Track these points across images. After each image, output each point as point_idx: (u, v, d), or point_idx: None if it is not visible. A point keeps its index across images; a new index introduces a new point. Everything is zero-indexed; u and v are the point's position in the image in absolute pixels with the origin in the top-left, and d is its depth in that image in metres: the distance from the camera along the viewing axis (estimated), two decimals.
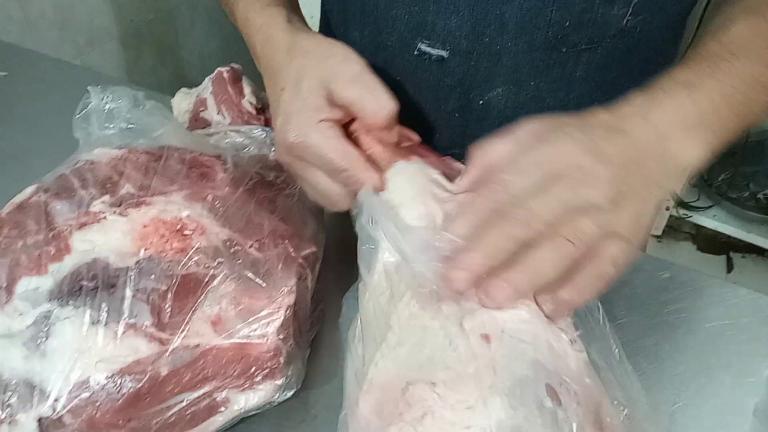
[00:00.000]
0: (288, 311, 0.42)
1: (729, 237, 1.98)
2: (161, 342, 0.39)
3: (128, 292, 0.39)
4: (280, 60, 0.49)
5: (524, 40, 0.53)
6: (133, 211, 0.43)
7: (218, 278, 0.41)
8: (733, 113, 0.42)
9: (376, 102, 0.44)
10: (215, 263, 0.42)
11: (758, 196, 1.95)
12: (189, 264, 0.41)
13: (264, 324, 0.41)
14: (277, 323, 0.41)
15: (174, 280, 0.40)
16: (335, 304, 0.50)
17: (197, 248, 0.42)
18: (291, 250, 0.46)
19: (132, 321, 0.38)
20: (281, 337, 0.41)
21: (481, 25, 0.53)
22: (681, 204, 1.90)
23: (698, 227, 2.01)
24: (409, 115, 0.49)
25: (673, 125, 0.40)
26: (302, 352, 0.44)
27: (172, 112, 0.69)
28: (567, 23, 0.51)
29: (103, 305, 0.39)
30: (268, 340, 0.40)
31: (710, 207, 1.96)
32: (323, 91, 0.45)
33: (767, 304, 0.54)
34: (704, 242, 2.08)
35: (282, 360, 0.41)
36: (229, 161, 0.50)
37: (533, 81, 0.56)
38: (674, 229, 2.08)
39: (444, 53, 0.55)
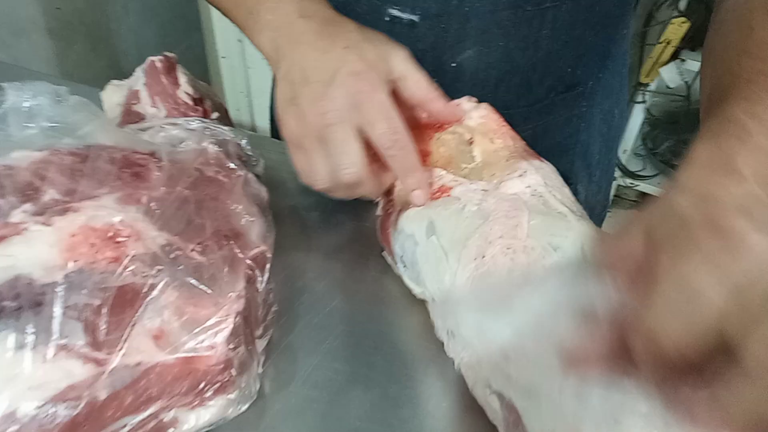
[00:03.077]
0: (237, 318, 0.39)
1: None
2: (98, 363, 0.35)
3: (57, 310, 0.35)
4: (334, 17, 0.48)
5: (490, 0, 0.54)
6: (59, 219, 0.39)
7: (158, 287, 0.38)
8: None
9: (427, 77, 0.48)
10: (154, 271, 0.39)
11: None
12: (124, 274, 0.38)
13: (211, 334, 0.38)
14: (226, 332, 0.38)
15: (108, 294, 0.37)
16: (288, 304, 0.47)
17: (133, 256, 0.38)
18: (237, 251, 0.43)
19: (63, 342, 0.35)
20: (231, 346, 0.38)
21: None
22: (627, 173, 1.93)
23: (644, 195, 2.05)
24: None
25: None
26: (255, 360, 0.42)
27: (103, 106, 0.64)
28: None
29: (30, 326, 0.35)
30: (217, 351, 0.37)
31: (656, 175, 2.00)
32: (387, 62, 0.46)
33: None
34: None
35: (233, 372, 0.38)
36: (164, 158, 0.46)
37: (502, 41, 0.57)
38: (621, 198, 2.12)
39: (414, 17, 0.57)
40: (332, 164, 0.45)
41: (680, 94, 1.84)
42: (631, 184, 1.95)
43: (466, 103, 0.54)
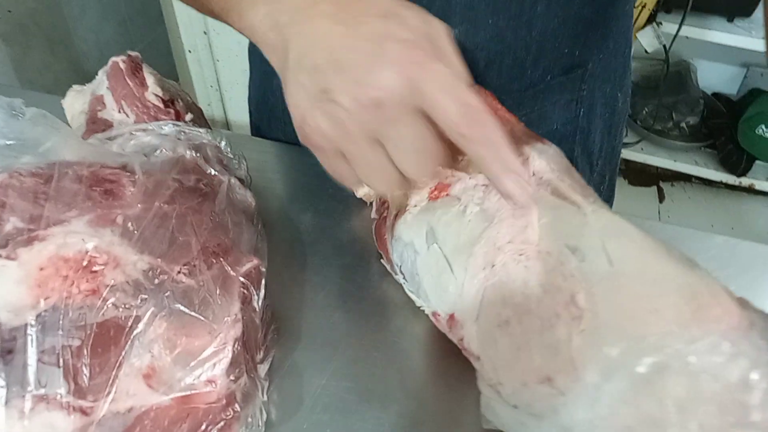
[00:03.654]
0: (236, 345, 0.35)
1: (658, 168, 2.02)
2: (83, 412, 0.31)
3: (31, 356, 0.31)
4: None
5: None
6: (24, 251, 0.35)
7: (144, 319, 0.34)
8: None
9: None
10: (138, 301, 0.34)
11: (681, 125, 1.99)
12: (105, 308, 0.33)
13: (209, 366, 0.34)
14: (225, 362, 0.34)
15: (88, 332, 0.33)
16: (288, 321, 0.43)
17: (112, 286, 0.34)
18: (228, 268, 0.39)
19: (41, 392, 0.31)
20: (232, 378, 0.34)
21: None
22: None
23: (627, 162, 2.03)
24: None
25: None
26: (259, 387, 0.38)
27: (65, 116, 0.59)
28: None
29: (0, 378, 0.30)
30: (217, 385, 0.34)
31: (638, 141, 1.99)
32: (432, 38, 0.35)
33: (699, 237, 0.53)
34: (634, 176, 2.12)
35: (238, 406, 0.34)
36: (138, 170, 0.42)
37: (491, 18, 0.52)
38: None
39: None
40: (401, 165, 0.35)
41: (658, 58, 1.81)
42: None
43: None
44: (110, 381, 0.32)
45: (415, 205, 0.44)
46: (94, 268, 0.35)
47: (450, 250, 0.40)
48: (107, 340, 0.33)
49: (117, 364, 0.32)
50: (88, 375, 0.32)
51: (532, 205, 0.38)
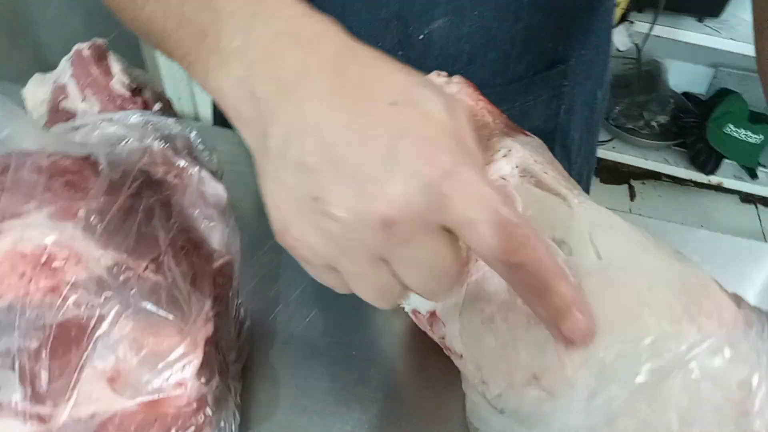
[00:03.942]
0: (207, 345, 0.33)
1: (629, 166, 2.04)
2: (41, 419, 0.29)
3: None
4: (348, 42, 0.28)
5: None
6: None
7: (108, 319, 0.32)
8: None
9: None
10: (101, 299, 0.32)
11: (652, 123, 2.01)
12: (65, 307, 0.31)
13: (179, 368, 0.32)
14: (196, 364, 0.32)
15: (47, 332, 0.30)
16: (262, 319, 0.42)
17: (74, 283, 0.32)
18: (199, 264, 0.37)
19: None
20: (204, 380, 0.32)
21: None
22: None
23: (600, 160, 2.05)
24: None
25: None
26: (232, 390, 0.36)
27: (25, 105, 0.56)
28: None
29: None
30: (187, 388, 0.32)
31: (610, 140, 2.00)
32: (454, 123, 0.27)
33: (671, 229, 0.53)
34: (607, 174, 2.14)
35: (209, 410, 0.32)
36: (102, 161, 0.39)
37: (476, 10, 0.50)
38: None
39: None
40: (410, 286, 0.28)
41: (631, 57, 1.83)
42: None
43: (435, 78, 0.49)
44: (71, 385, 0.30)
45: None
46: (54, 265, 0.32)
47: None
48: (68, 341, 0.31)
49: (78, 367, 0.30)
50: (46, 379, 0.30)
51: (516, 199, 0.37)
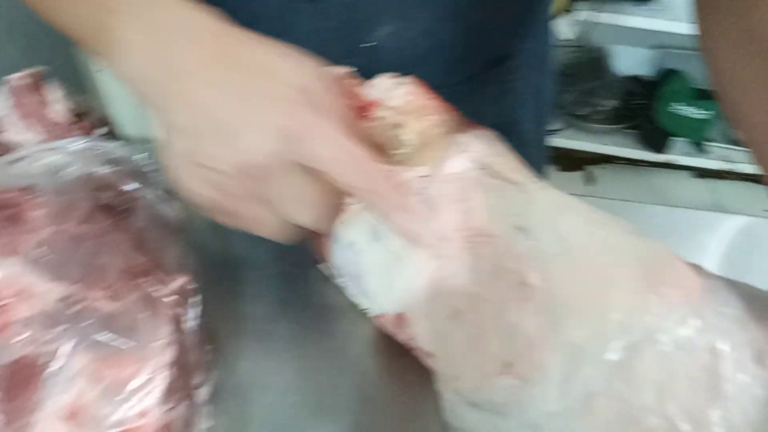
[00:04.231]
0: (170, 370, 0.32)
1: (584, 152, 2.08)
2: None
3: None
4: (221, 27, 0.34)
5: None
6: None
7: (63, 354, 0.31)
8: None
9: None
10: (54, 334, 0.31)
11: (602, 109, 2.05)
12: (16, 345, 0.30)
13: (141, 397, 0.31)
14: (159, 391, 0.31)
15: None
16: (226, 338, 0.41)
17: (23, 320, 0.31)
18: (154, 288, 0.36)
19: None
20: (168, 407, 0.31)
21: None
22: None
23: (556, 149, 2.08)
24: None
25: None
26: (199, 414, 0.35)
27: None
28: None
29: None
30: (151, 417, 0.31)
31: (564, 128, 2.04)
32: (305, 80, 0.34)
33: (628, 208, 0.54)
34: (563, 162, 2.17)
35: None
36: (44, 190, 0.38)
37: (422, 12, 0.50)
38: None
39: None
40: (291, 219, 0.35)
41: (576, 45, 1.86)
42: None
43: (384, 80, 0.49)
44: (26, 427, 0.28)
45: (354, 203, 0.42)
46: (1, 303, 0.31)
47: (396, 245, 0.38)
48: (21, 381, 0.29)
49: (33, 408, 0.29)
50: (3, 422, 0.28)
51: (474, 190, 0.37)
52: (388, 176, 0.35)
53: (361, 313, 0.42)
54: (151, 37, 0.33)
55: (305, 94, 0.32)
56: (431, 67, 0.54)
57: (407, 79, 0.48)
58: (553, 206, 0.33)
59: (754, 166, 0.35)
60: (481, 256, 0.33)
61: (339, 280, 0.44)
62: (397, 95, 0.47)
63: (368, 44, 0.52)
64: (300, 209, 0.34)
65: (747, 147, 0.36)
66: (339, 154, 0.33)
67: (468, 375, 0.32)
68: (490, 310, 0.31)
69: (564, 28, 1.74)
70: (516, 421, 0.29)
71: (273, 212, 0.34)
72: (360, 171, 0.33)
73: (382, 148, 0.46)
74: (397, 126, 0.46)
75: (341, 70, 0.49)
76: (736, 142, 1.99)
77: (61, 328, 0.31)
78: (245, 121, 0.31)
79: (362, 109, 0.47)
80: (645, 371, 0.26)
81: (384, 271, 0.38)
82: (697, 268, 0.30)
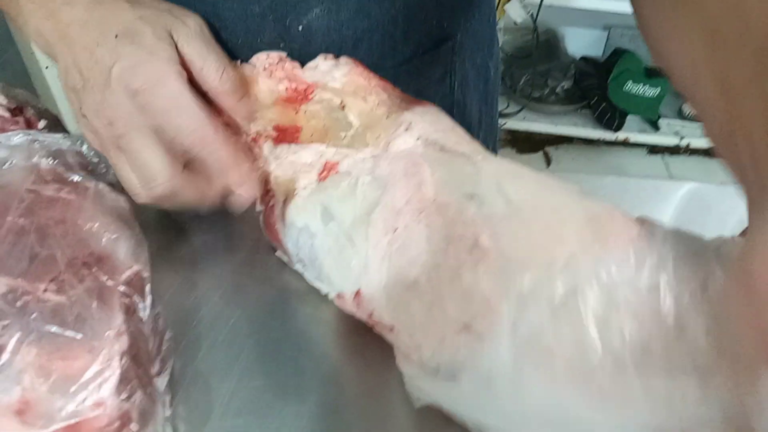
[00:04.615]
0: (123, 359, 0.31)
1: (541, 134, 2.10)
2: None
3: None
4: (108, 7, 0.40)
5: None
6: None
7: (8, 348, 0.29)
8: None
9: (220, 62, 0.42)
10: None
11: (557, 90, 2.07)
12: None
13: (95, 388, 0.30)
14: (113, 381, 0.30)
15: None
16: (184, 327, 0.40)
17: None
18: (104, 278, 0.35)
19: None
20: (124, 396, 0.30)
21: None
22: None
23: (513, 132, 2.10)
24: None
25: None
26: (159, 403, 0.34)
27: None
28: None
29: None
30: (106, 408, 0.30)
31: (519, 110, 2.05)
32: (172, 43, 0.40)
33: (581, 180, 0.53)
34: (521, 144, 2.19)
35: (134, 426, 0.30)
36: None
37: None
38: None
39: None
40: (139, 177, 0.40)
41: (527, 28, 1.88)
42: (499, 123, 1.99)
43: (322, 62, 0.48)
44: None
45: (305, 188, 0.42)
46: None
47: (348, 224, 0.38)
48: None
49: None
50: None
51: (423, 164, 0.36)
52: (222, 140, 0.40)
53: (322, 297, 0.41)
54: (45, 7, 0.40)
55: (160, 60, 0.38)
56: (368, 48, 0.53)
57: (344, 60, 0.47)
58: (501, 173, 0.34)
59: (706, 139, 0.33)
60: (434, 226, 0.33)
61: (296, 266, 0.43)
62: (336, 77, 0.47)
63: (300, 27, 0.51)
64: (150, 175, 0.39)
65: (679, 90, 0.34)
66: (182, 122, 0.38)
67: (428, 342, 0.32)
68: (446, 276, 0.31)
69: (515, 12, 1.76)
70: (470, 375, 0.29)
71: (134, 169, 0.39)
72: (201, 137, 0.39)
73: (328, 131, 0.45)
74: (340, 107, 0.45)
75: (276, 54, 0.48)
76: (688, 118, 2.03)
77: (5, 322, 0.30)
78: (105, 82, 0.38)
79: (303, 92, 0.47)
80: (588, 305, 0.26)
81: (338, 251, 0.38)
82: (641, 220, 0.30)
